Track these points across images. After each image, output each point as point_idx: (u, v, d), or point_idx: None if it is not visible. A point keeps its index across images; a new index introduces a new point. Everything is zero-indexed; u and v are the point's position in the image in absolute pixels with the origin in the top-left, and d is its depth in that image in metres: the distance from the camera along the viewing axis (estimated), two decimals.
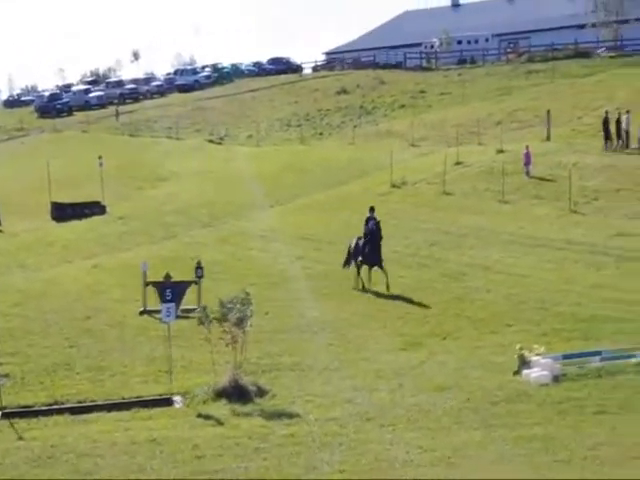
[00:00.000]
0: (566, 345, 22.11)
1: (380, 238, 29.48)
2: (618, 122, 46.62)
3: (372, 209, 30.76)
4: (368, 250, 29.55)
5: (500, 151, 48.73)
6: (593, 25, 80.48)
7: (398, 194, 43.63)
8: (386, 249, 33.76)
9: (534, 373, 19.71)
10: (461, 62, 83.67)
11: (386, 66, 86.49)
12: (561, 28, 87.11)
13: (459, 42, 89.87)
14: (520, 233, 35.23)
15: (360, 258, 29.85)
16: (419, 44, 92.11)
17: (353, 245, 30.29)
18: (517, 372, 20.14)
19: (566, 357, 20.58)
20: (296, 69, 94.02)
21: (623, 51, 76.98)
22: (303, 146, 60.21)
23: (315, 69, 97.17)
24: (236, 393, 19.13)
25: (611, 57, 74.09)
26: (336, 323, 25.63)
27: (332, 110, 71.79)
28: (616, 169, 42.78)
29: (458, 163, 47.35)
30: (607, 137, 46.64)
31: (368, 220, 30.24)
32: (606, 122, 46.69)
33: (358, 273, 29.92)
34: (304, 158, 53.98)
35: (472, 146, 52.05)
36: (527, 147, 44.67)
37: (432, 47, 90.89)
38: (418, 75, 79.91)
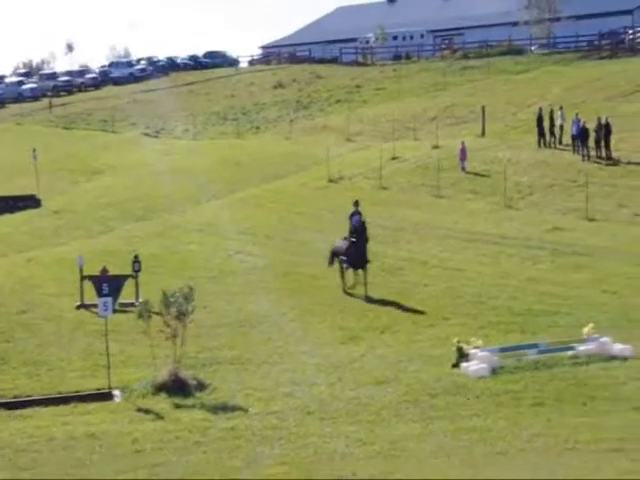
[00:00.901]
0: (503, 338, 22.41)
1: (366, 239, 28.10)
2: (551, 118, 47.19)
3: (357, 203, 29.43)
4: (353, 251, 28.10)
5: (436, 146, 49.07)
6: (526, 22, 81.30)
7: (335, 189, 43.72)
8: (323, 243, 33.92)
9: (472, 366, 19.92)
10: (396, 58, 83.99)
11: (322, 61, 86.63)
12: (495, 25, 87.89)
13: (394, 38, 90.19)
14: (456, 228, 35.53)
15: (344, 258, 28.45)
16: (355, 39, 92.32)
17: (337, 244, 29.12)
18: (455, 365, 20.34)
19: (503, 350, 20.85)
20: (232, 63, 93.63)
21: (555, 48, 77.96)
22: (240, 140, 60.00)
23: (251, 63, 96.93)
24: (176, 387, 19.09)
25: (544, 54, 74.98)
26: (275, 317, 25.66)
27: (268, 104, 71.65)
28: (549, 165, 43.33)
29: (394, 158, 47.60)
30: (541, 133, 47.18)
31: (352, 215, 29.05)
32: (540, 118, 47.22)
33: (341, 273, 28.67)
34: (241, 152, 53.83)
35: (408, 141, 52.34)
36: (462, 142, 45.05)
37: (368, 42, 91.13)
38: (354, 70, 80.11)
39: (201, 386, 19.43)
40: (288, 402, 18.52)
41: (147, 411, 18.05)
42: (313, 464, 15.22)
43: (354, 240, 28.09)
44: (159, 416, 17.77)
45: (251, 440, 16.36)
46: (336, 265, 29.12)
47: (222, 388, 19.40)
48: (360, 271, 28.04)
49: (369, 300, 26.93)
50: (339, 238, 29.14)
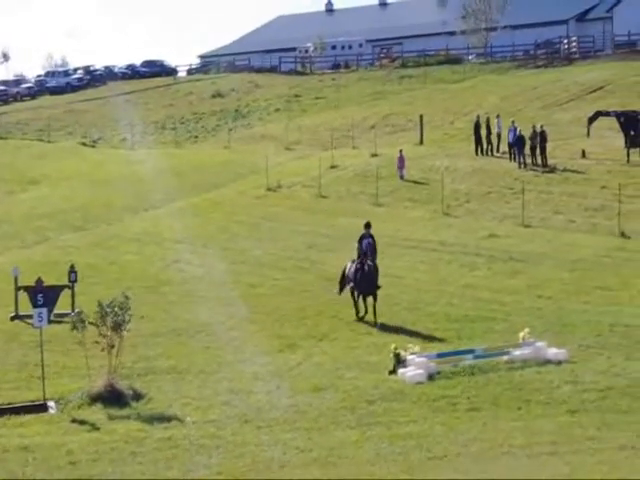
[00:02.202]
0: (440, 344, 22.51)
1: (374, 263, 25.39)
2: (488, 127, 47.64)
3: (368, 225, 26.24)
4: (360, 276, 25.33)
5: (374, 155, 49.34)
6: (463, 32, 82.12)
7: (274, 197, 43.75)
8: (262, 252, 33.99)
9: (409, 372, 19.98)
10: (335, 67, 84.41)
11: (261, 70, 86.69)
12: (432, 35, 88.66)
13: (333, 47, 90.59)
14: (394, 235, 35.63)
15: (351, 284, 25.80)
16: (294, 49, 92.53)
17: (347, 269, 26.16)
18: (393, 371, 20.39)
19: (440, 356, 20.96)
20: (171, 72, 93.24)
21: (492, 58, 78.80)
22: (178, 149, 59.85)
23: (190, 72, 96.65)
24: (112, 397, 18.89)
25: (481, 63, 75.78)
26: (213, 326, 25.52)
27: (207, 113, 71.51)
28: (486, 172, 43.75)
29: (333, 166, 47.76)
30: (478, 141, 47.60)
31: (362, 238, 25.82)
32: (477, 127, 47.66)
33: (354, 300, 25.84)
34: (179, 161, 53.66)
35: (347, 150, 52.56)
36: (400, 151, 45.31)
37: (307, 52, 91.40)
38: (293, 79, 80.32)
39: (137, 396, 19.23)
40: (226, 411, 18.41)
41: (82, 422, 17.83)
42: (250, 472, 15.17)
43: (362, 265, 25.40)
44: (94, 427, 17.56)
45: (188, 450, 16.25)
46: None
47: (159, 398, 19.23)
48: (370, 299, 25.42)
49: (382, 329, 24.79)
50: (349, 261, 26.31)
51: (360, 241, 25.75)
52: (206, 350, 23.35)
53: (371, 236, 25.69)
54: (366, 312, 25.38)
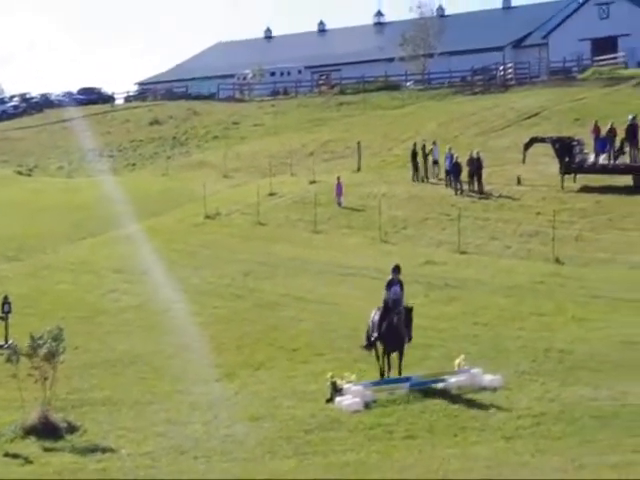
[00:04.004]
0: (377, 372, 22.52)
1: (410, 310, 22.28)
2: (425, 153, 48.03)
3: (397, 269, 22.45)
4: (386, 328, 21.87)
5: (313, 182, 49.47)
6: (401, 59, 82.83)
7: (212, 225, 43.67)
8: (200, 280, 33.84)
9: (346, 400, 19.99)
10: (274, 94, 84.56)
11: (199, 97, 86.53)
12: (371, 61, 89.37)
13: (272, 74, 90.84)
14: (332, 262, 35.77)
15: (375, 335, 22.23)
16: (232, 75, 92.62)
17: (373, 319, 22.50)
18: (329, 400, 20.38)
19: (376, 384, 20.99)
20: (108, 99, 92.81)
21: (430, 84, 79.51)
22: (116, 177, 59.49)
23: (127, 99, 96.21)
24: (46, 430, 18.65)
25: (419, 90, 76.36)
26: (150, 356, 25.37)
27: (145, 141, 71.28)
28: (423, 199, 44.08)
29: (271, 194, 47.80)
30: (415, 168, 47.95)
31: (390, 284, 22.23)
32: (414, 153, 48.03)
33: (376, 353, 22.48)
34: (117, 190, 53.28)
35: (285, 177, 52.66)
36: (339, 178, 45.50)
37: (245, 78, 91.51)
38: (231, 106, 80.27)
39: (72, 428, 19.00)
40: (162, 442, 18.26)
41: (15, 455, 17.56)
42: None
43: (388, 315, 21.94)
44: (28, 460, 17.31)
45: None
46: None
47: (93, 430, 19.03)
48: (395, 354, 22.17)
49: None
50: (375, 308, 22.72)
51: (388, 287, 22.13)
52: (142, 380, 23.20)
53: (399, 282, 22.17)
54: (389, 369, 22.21)
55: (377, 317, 22.24)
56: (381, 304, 22.27)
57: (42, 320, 25.82)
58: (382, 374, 22.03)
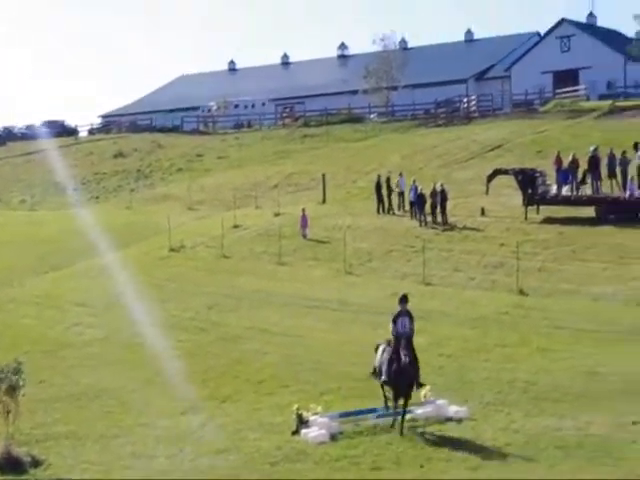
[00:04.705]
0: (343, 404, 22.51)
1: (411, 353, 20.18)
2: (389, 185, 48.23)
3: (404, 299, 20.79)
4: (394, 371, 20.09)
5: (277, 214, 49.54)
6: (365, 91, 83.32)
7: (177, 258, 43.60)
8: (165, 313, 33.74)
9: (312, 432, 19.97)
10: (238, 126, 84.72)
11: (163, 129, 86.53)
12: (334, 94, 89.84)
13: (236, 106, 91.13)
14: (297, 294, 35.77)
15: (384, 379, 20.52)
16: (196, 108, 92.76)
17: (379, 354, 21.04)
18: (295, 432, 20.34)
19: (343, 415, 20.97)
20: (71, 132, 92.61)
21: (394, 116, 79.98)
22: (79, 210, 59.23)
23: (91, 132, 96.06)
24: (9, 464, 18.52)
25: (383, 122, 76.74)
26: (114, 390, 25.22)
27: (109, 174, 71.10)
28: (388, 231, 44.21)
29: (236, 226, 47.81)
30: (379, 200, 48.13)
31: (398, 317, 20.51)
32: (378, 185, 48.23)
33: (384, 396, 21.10)
34: (81, 223, 53.06)
35: (250, 209, 52.68)
36: (303, 210, 45.58)
37: (209, 111, 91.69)
38: (195, 139, 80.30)
39: (36, 462, 18.88)
40: (127, 475, 18.19)
41: None
42: None
43: (397, 356, 20.11)
44: None
45: None
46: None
47: (58, 464, 18.91)
48: (401, 401, 20.31)
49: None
50: (382, 341, 21.30)
51: (395, 320, 20.44)
52: (107, 414, 23.07)
53: (408, 314, 20.51)
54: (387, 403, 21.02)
55: (386, 355, 20.44)
56: (390, 336, 20.57)
57: (6, 354, 25.49)
58: (387, 404, 20.90)
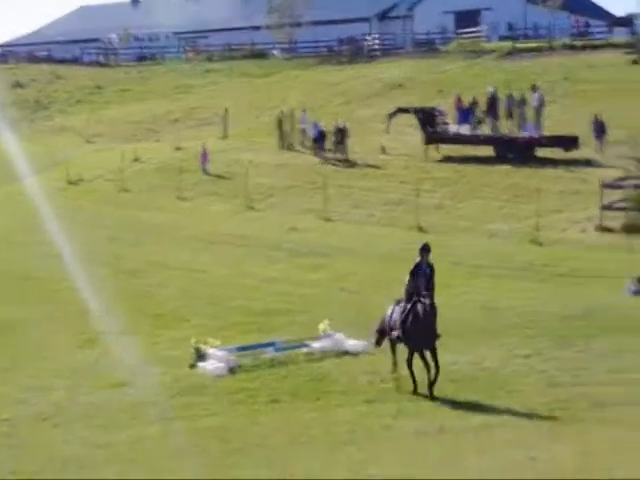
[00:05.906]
0: (242, 338, 22.59)
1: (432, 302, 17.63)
2: (292, 121, 48.13)
3: (426, 248, 18.04)
4: (411, 323, 17.84)
5: (178, 148, 49.07)
6: (268, 27, 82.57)
7: (75, 191, 43.02)
8: (64, 246, 33.22)
9: (210, 365, 20.03)
10: (141, 59, 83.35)
11: (62, 61, 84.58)
12: (238, 29, 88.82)
13: (138, 39, 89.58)
14: (198, 230, 35.67)
15: (397, 334, 18.33)
16: (97, 40, 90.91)
17: (388, 314, 18.80)
18: (193, 365, 20.38)
19: (241, 349, 21.05)
20: None
21: (297, 53, 79.49)
22: None
23: None
24: None
25: (286, 59, 76.28)
26: (11, 323, 24.86)
27: (6, 104, 69.41)
28: (290, 167, 44.23)
29: (136, 160, 47.25)
30: (282, 136, 48.03)
31: (417, 268, 17.93)
32: (280, 121, 48.09)
33: (393, 353, 18.96)
34: None
35: (150, 143, 52.09)
36: (204, 144, 45.24)
37: (110, 43, 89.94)
38: (95, 71, 78.67)
39: None
40: (21, 409, 17.98)
41: None
42: (46, 472, 14.85)
43: (414, 306, 17.80)
44: None
45: None
46: None
47: None
48: (428, 354, 17.96)
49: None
50: (392, 302, 18.98)
51: (413, 273, 17.94)
52: (3, 348, 22.75)
53: (429, 266, 17.86)
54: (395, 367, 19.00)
55: (399, 313, 18.22)
56: (402, 295, 18.28)
57: None
58: (414, 384, 18.08)
